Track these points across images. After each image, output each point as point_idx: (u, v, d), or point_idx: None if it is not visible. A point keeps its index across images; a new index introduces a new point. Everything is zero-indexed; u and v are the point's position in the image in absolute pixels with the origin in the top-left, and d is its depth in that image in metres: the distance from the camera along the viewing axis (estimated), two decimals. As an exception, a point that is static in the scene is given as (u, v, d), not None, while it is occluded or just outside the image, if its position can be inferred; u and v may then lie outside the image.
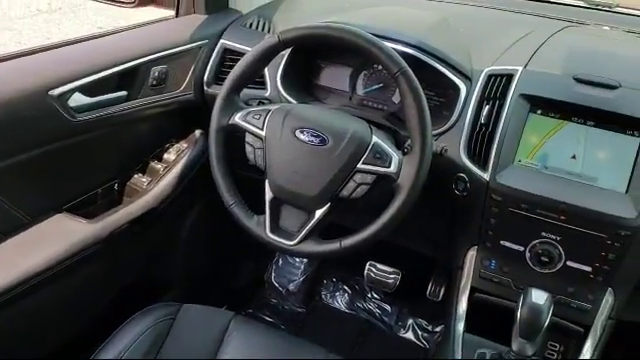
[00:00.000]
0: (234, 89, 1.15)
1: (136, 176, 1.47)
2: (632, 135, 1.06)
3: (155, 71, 1.36)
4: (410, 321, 1.95)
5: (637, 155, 1.05)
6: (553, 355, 1.24)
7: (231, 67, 1.17)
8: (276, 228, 1.12)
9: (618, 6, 1.57)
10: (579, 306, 1.15)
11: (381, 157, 1.04)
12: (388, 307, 1.99)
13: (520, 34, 1.33)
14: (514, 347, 1.02)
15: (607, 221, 1.05)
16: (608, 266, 1.09)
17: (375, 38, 1.04)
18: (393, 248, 1.65)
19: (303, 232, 1.09)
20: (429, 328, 1.92)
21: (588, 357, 1.14)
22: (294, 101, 1.31)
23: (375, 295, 2.02)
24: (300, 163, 1.07)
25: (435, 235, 1.47)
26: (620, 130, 1.07)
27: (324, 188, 1.05)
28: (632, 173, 1.05)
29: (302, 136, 1.07)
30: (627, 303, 1.19)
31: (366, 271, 1.79)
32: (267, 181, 1.11)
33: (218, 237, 1.85)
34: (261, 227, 1.13)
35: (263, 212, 1.13)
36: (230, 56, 1.46)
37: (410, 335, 1.93)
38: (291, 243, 1.10)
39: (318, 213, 1.07)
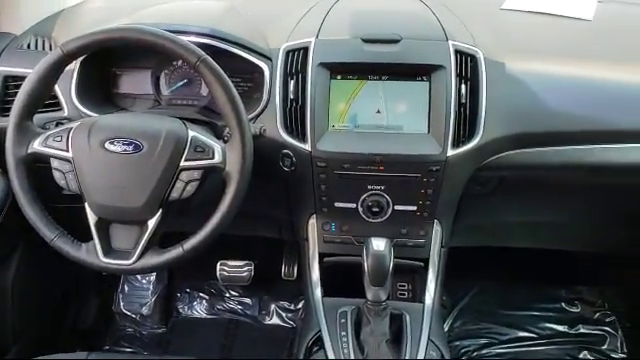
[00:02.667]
0: (24, 116, 1.04)
1: None
2: (422, 80, 1.18)
3: None
4: (273, 307, 1.98)
5: (430, 97, 1.17)
6: (404, 294, 1.35)
7: (16, 94, 1.06)
8: (110, 251, 1.05)
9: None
10: (415, 243, 1.26)
11: (203, 150, 1.02)
12: (248, 300, 2.00)
13: (307, 7, 1.39)
14: (369, 296, 1.08)
15: (418, 161, 1.16)
16: (429, 201, 1.21)
17: (166, 32, 1.01)
18: (240, 241, 1.64)
19: (140, 247, 1.03)
20: (292, 307, 1.97)
21: (433, 285, 1.25)
22: (97, 115, 1.23)
23: (233, 292, 2.01)
24: (118, 176, 1.01)
25: (276, 215, 1.50)
26: (411, 78, 1.18)
27: (150, 195, 1.01)
28: (429, 114, 1.17)
29: (113, 147, 1.01)
30: (452, 232, 1.33)
31: (218, 272, 1.77)
32: (86, 204, 1.04)
33: (50, 279, 1.69)
34: (93, 254, 1.05)
35: (91, 238, 1.05)
36: (12, 83, 1.32)
37: (276, 320, 1.96)
38: (130, 262, 1.04)
39: (151, 223, 1.03)
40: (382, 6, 1.42)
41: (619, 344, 1.88)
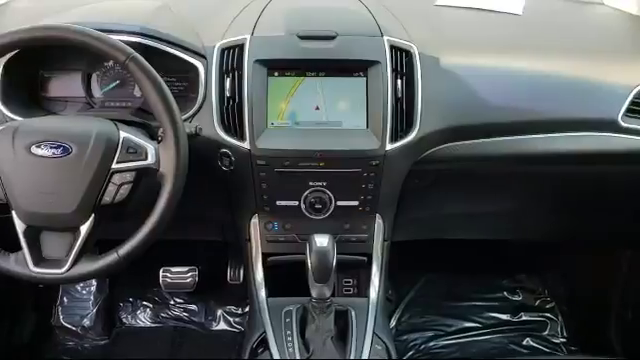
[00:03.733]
0: None
1: None
2: (359, 76, 1.18)
3: None
4: (219, 312, 1.94)
5: (367, 93, 1.17)
6: (350, 290, 1.35)
7: None
8: (40, 260, 1.01)
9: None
10: (358, 238, 1.26)
11: (135, 151, 0.99)
12: (194, 306, 1.95)
13: (242, 4, 1.37)
14: (313, 294, 1.08)
15: (358, 156, 1.16)
16: (370, 196, 1.22)
17: (92, 30, 0.98)
18: (183, 245, 1.60)
19: (72, 254, 0.99)
20: (239, 312, 1.94)
21: (377, 279, 1.26)
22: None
23: (178, 299, 1.96)
24: (46, 181, 0.97)
25: (217, 217, 1.47)
26: (348, 74, 1.18)
27: (81, 200, 0.97)
28: (367, 109, 1.17)
29: (40, 151, 0.96)
30: (394, 226, 1.34)
31: (161, 278, 1.73)
32: (13, 212, 0.99)
33: None
34: (22, 264, 1.00)
35: (20, 248, 1.00)
36: None
37: (223, 325, 1.93)
38: (62, 270, 0.99)
39: (84, 229, 0.99)
40: (317, 3, 1.42)
41: (559, 329, 1.95)
